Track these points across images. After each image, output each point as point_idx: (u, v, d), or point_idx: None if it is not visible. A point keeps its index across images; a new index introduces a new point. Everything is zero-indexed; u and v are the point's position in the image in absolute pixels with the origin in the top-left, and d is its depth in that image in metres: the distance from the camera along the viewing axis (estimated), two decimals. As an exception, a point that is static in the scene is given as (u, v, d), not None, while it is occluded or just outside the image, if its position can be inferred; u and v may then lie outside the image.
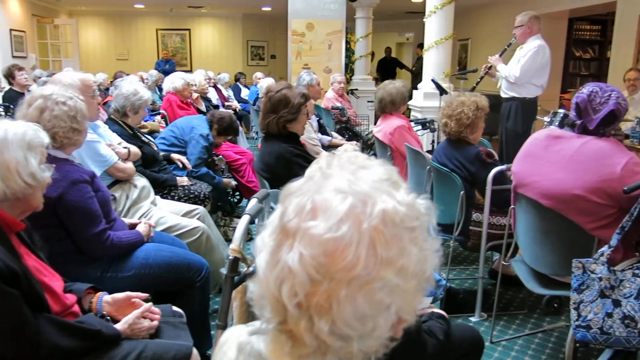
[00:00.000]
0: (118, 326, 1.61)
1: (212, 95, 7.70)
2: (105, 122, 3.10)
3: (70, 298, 1.63)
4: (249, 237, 3.45)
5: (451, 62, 5.72)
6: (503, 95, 4.78)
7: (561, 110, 3.08)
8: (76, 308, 1.64)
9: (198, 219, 2.95)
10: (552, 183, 2.17)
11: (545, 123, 3.17)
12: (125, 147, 2.90)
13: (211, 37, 14.12)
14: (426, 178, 3.27)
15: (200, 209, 3.07)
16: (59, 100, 2.03)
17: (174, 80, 5.18)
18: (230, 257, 1.52)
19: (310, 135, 3.86)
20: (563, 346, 2.59)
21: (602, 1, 6.89)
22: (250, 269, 1.51)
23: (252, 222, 1.76)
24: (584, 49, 9.29)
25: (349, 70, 10.23)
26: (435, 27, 5.48)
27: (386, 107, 4.02)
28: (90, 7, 13.09)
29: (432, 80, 5.13)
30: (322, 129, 4.81)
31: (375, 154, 4.47)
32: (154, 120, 5.21)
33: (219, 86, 8.87)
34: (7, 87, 6.46)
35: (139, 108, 3.22)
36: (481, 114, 2.96)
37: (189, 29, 13.93)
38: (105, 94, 6.36)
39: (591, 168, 2.06)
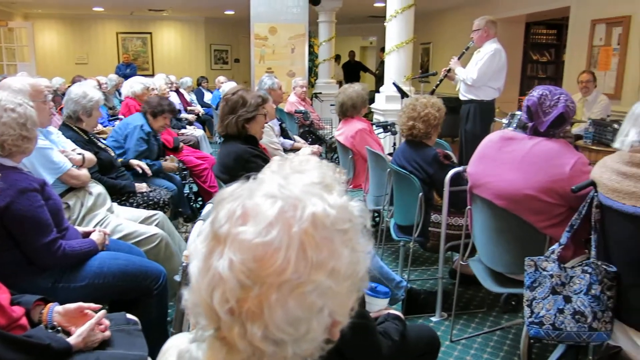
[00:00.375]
0: (71, 340, 1.56)
1: (174, 99, 7.58)
2: (59, 128, 3.02)
3: (18, 311, 1.57)
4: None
5: (413, 66, 5.80)
6: (462, 97, 4.88)
7: (519, 113, 3.16)
8: (24, 321, 1.59)
9: (157, 225, 2.91)
10: (505, 184, 2.22)
11: (504, 125, 3.25)
12: (79, 154, 2.83)
13: (173, 41, 13.93)
14: (387, 180, 3.30)
15: (159, 214, 3.02)
16: (8, 107, 1.96)
17: (133, 85, 5.10)
18: (184, 264, 1.50)
19: (271, 139, 3.85)
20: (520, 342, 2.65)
21: (557, 6, 7.10)
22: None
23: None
24: (541, 52, 9.54)
25: (313, 73, 10.27)
26: (396, 31, 5.54)
27: (347, 111, 4.04)
28: (47, 10, 12.73)
29: (394, 83, 5.19)
30: (284, 133, 4.81)
31: (338, 158, 4.50)
32: (113, 126, 5.11)
33: (181, 90, 8.76)
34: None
35: (92, 110, 3.15)
36: (442, 114, 3.03)
37: (150, 33, 13.70)
38: (62, 98, 6.20)
39: (542, 168, 2.12)
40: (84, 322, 1.63)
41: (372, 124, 4.37)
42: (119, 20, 13.48)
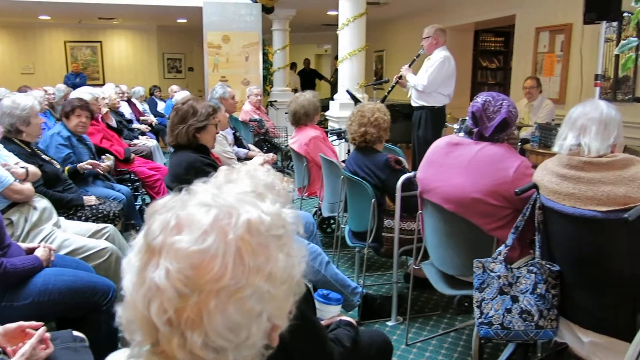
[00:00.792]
0: (13, 360, 1.50)
1: (125, 109, 7.42)
2: (0, 142, 2.91)
3: (-46, 333, 1.50)
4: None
5: (367, 73, 5.88)
6: (413, 104, 4.98)
7: (469, 118, 3.25)
8: (-39, 343, 1.52)
9: (107, 239, 2.84)
10: (452, 188, 2.28)
11: (455, 130, 3.34)
12: (23, 167, 2.73)
13: (125, 50, 13.63)
14: (341, 187, 3.33)
15: (109, 228, 2.94)
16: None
17: (81, 95, 4.95)
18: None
19: (225, 149, 3.82)
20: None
21: (503, 14, 7.34)
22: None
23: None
24: (490, 59, 9.84)
25: (268, 81, 10.25)
26: (349, 39, 5.62)
27: (300, 119, 4.06)
28: (-11, 18, 12.27)
29: (347, 90, 5.25)
30: (238, 142, 4.77)
31: (293, 166, 4.50)
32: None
33: (133, 100, 8.57)
34: None
35: (29, 117, 3.04)
36: (389, 117, 3.09)
37: (100, 41, 13.36)
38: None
39: (487, 172, 2.19)
40: (25, 341, 1.57)
41: (326, 132, 4.40)
42: (67, 28, 13.08)
